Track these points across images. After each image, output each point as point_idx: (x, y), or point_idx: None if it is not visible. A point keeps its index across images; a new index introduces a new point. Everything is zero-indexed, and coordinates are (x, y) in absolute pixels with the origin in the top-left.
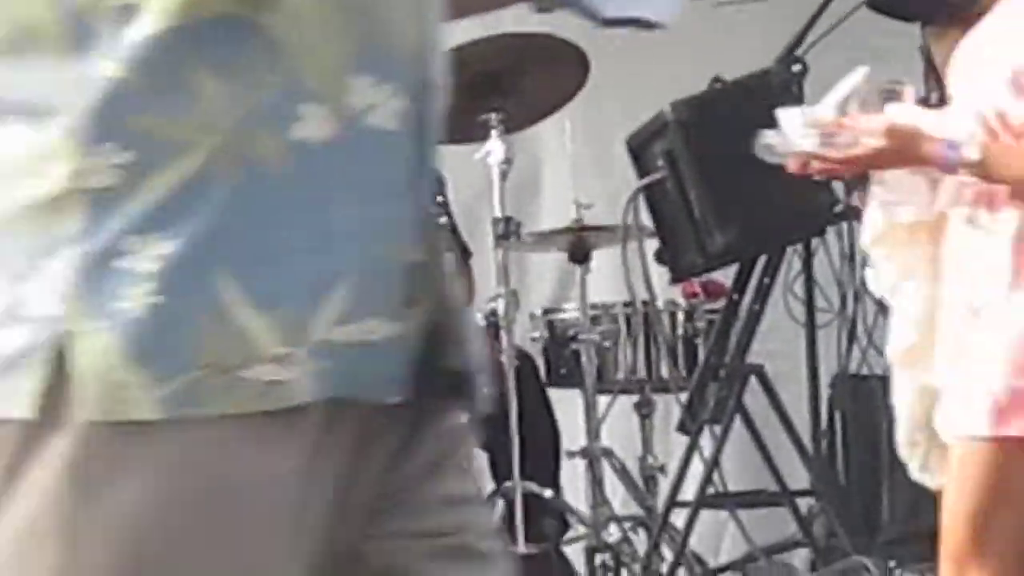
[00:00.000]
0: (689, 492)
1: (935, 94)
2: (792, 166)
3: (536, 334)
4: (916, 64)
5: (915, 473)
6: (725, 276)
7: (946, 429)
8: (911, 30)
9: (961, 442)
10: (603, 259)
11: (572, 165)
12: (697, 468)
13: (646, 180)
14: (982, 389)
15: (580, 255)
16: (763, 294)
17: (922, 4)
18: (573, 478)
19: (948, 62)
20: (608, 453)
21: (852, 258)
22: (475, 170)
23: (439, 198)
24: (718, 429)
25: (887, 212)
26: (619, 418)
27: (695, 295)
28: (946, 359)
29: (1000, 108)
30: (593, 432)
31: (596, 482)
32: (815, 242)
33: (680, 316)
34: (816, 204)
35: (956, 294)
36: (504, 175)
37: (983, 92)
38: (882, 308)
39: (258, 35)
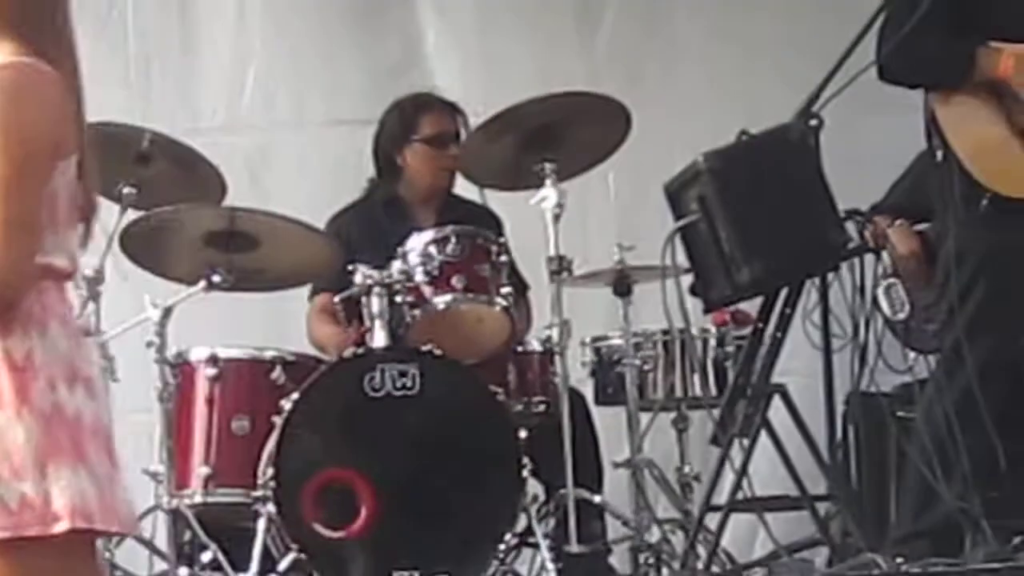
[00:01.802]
0: (721, 498)
1: (939, 152)
2: None
3: (586, 359)
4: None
5: None
6: (751, 306)
7: None
8: None
9: None
10: (644, 292)
11: (616, 208)
12: (728, 476)
13: (682, 222)
14: None
15: (623, 289)
16: (785, 322)
17: (926, 75)
18: (619, 486)
19: (952, 120)
20: (650, 463)
21: (863, 290)
22: (531, 214)
23: (500, 238)
24: (746, 442)
25: None
26: (659, 432)
27: (725, 323)
28: None
29: None
30: (636, 445)
31: (639, 489)
32: (830, 276)
33: (712, 342)
34: (831, 242)
35: None
36: (557, 218)
37: None
38: (893, 332)
39: None
